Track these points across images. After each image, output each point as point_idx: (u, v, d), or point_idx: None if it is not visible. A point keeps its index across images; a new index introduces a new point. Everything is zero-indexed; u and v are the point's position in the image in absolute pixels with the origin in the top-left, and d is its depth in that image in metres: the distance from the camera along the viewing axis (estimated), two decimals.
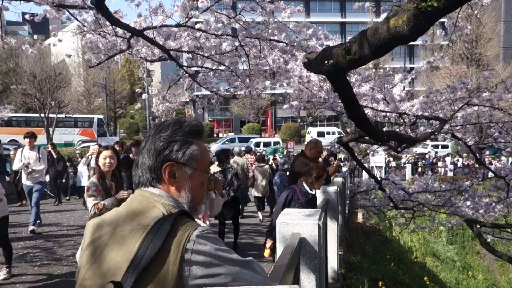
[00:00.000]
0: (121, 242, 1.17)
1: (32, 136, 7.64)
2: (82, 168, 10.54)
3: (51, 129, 30.66)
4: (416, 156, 27.34)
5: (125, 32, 5.14)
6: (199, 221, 3.90)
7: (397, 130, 7.18)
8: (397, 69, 22.69)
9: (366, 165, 11.55)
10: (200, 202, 1.35)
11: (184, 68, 6.57)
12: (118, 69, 47.56)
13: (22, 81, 32.05)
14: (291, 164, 5.94)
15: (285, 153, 22.11)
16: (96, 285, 1.17)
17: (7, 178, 9.78)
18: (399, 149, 7.85)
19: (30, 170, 7.58)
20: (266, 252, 4.32)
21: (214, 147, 28.59)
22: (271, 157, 13.57)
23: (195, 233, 1.14)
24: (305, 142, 7.35)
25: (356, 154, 8.98)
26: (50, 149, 11.92)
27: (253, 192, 10.02)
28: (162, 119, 7.49)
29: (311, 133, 35.27)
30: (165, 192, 1.27)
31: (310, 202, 4.25)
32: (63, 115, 32.57)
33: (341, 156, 13.67)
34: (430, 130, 6.78)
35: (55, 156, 11.85)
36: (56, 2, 4.34)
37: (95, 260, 1.20)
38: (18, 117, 32.16)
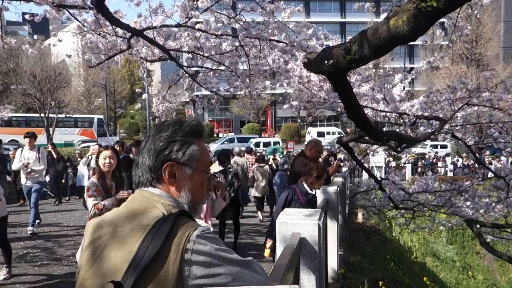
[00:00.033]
0: (121, 242, 1.17)
1: (32, 136, 7.64)
2: (82, 168, 10.55)
3: (51, 129, 30.66)
4: (416, 156, 27.35)
5: (125, 32, 5.14)
6: (201, 221, 3.89)
7: (397, 130, 7.18)
8: (397, 69, 22.70)
9: (366, 165, 11.55)
10: (200, 202, 1.35)
11: (184, 68, 6.57)
12: (118, 69, 47.57)
13: (22, 81, 32.06)
14: (291, 164, 5.94)
15: (285, 153, 22.11)
16: (96, 285, 1.17)
17: (8, 178, 9.78)
18: (399, 149, 7.85)
19: (29, 170, 7.58)
20: (266, 252, 4.32)
21: (213, 147, 28.61)
22: (271, 157, 13.57)
23: (195, 233, 1.14)
24: (305, 142, 7.35)
25: (356, 154, 8.98)
26: (50, 149, 11.93)
27: (253, 192, 10.02)
28: (162, 119, 7.49)
29: (311, 133, 35.27)
30: (165, 192, 1.27)
31: (310, 202, 4.25)
32: (63, 115, 32.57)
33: (341, 156, 13.67)
34: (430, 130, 6.78)
35: (55, 156, 11.85)
36: (56, 2, 4.34)
37: (95, 260, 1.20)
38: (18, 117, 32.16)
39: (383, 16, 3.52)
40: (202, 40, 5.74)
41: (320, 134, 34.34)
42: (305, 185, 4.29)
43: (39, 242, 7.17)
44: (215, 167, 6.79)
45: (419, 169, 24.93)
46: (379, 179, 9.05)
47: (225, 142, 33.14)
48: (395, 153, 12.56)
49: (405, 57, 39.14)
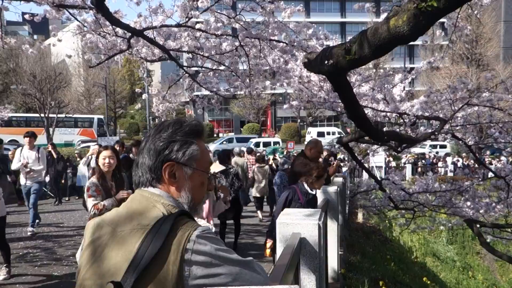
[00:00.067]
0: (121, 242, 1.17)
1: (32, 136, 7.62)
2: (82, 168, 10.54)
3: (51, 129, 30.68)
4: (416, 156, 27.36)
5: (125, 32, 5.14)
6: (203, 221, 3.89)
7: (397, 130, 7.18)
8: (397, 69, 22.70)
9: (366, 165, 11.55)
10: (200, 202, 1.35)
11: (184, 68, 6.57)
12: (118, 69, 47.58)
13: (22, 81, 32.07)
14: (291, 164, 5.94)
15: (285, 153, 22.11)
16: (96, 285, 1.17)
17: (9, 179, 9.77)
18: (399, 149, 7.85)
19: (28, 169, 7.55)
20: (267, 252, 4.31)
21: (212, 147, 28.59)
22: (271, 157, 13.57)
23: (195, 233, 1.14)
24: (305, 142, 7.34)
25: (356, 154, 8.98)
26: (50, 149, 11.92)
27: (253, 193, 10.03)
28: (162, 119, 7.49)
29: (311, 133, 35.27)
30: (165, 192, 1.27)
31: (310, 202, 4.24)
32: (63, 115, 32.59)
33: (341, 156, 13.67)
34: (430, 130, 6.78)
35: (55, 156, 11.85)
36: (56, 2, 4.34)
37: (95, 260, 1.20)
38: (18, 117, 32.16)
39: (383, 16, 3.52)
40: (202, 40, 5.74)
41: (320, 134, 34.34)
42: (305, 185, 4.29)
43: (39, 242, 7.17)
44: (217, 167, 6.79)
45: (419, 169, 24.95)
46: (379, 179, 9.05)
47: (224, 142, 33.12)
48: (395, 153, 12.56)
49: (405, 57, 39.14)
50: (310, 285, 2.64)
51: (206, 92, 7.05)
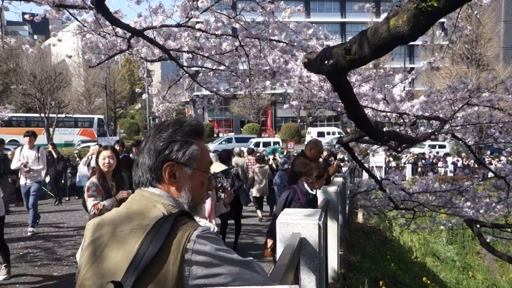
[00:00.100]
0: (121, 242, 1.17)
1: (32, 135, 7.59)
2: (82, 169, 10.53)
3: (51, 129, 30.69)
4: (416, 156, 27.37)
5: (125, 32, 5.13)
6: (205, 220, 3.88)
7: (397, 130, 7.18)
8: (397, 69, 22.69)
9: (366, 165, 11.55)
10: (200, 202, 1.35)
11: (184, 68, 6.57)
12: (118, 69, 47.59)
13: (22, 81, 32.09)
14: (291, 164, 5.94)
15: (285, 153, 22.11)
16: (96, 285, 1.17)
17: (9, 179, 9.78)
18: (399, 149, 7.85)
19: (27, 169, 7.52)
20: (267, 252, 4.31)
21: (211, 147, 28.58)
22: (271, 157, 13.58)
23: (195, 233, 1.14)
24: (305, 142, 7.34)
25: (356, 154, 8.98)
26: (50, 149, 11.92)
27: (253, 193, 10.03)
28: (162, 119, 7.49)
29: (311, 133, 35.27)
30: (165, 192, 1.27)
31: (311, 202, 4.25)
32: (63, 115, 32.61)
33: (341, 156, 13.66)
34: (430, 130, 6.78)
35: (55, 156, 11.84)
36: (56, 2, 4.33)
37: (95, 260, 1.20)
38: (18, 117, 32.18)
39: (383, 16, 3.52)
40: (202, 40, 5.74)
41: (320, 134, 34.35)
42: (306, 185, 4.29)
43: (39, 242, 7.16)
44: (219, 166, 6.77)
45: (419, 169, 24.95)
46: (379, 179, 9.05)
47: (223, 142, 33.10)
48: (395, 153, 12.56)
49: (405, 57, 39.16)
50: (310, 285, 2.64)
51: (206, 92, 7.05)
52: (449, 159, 26.33)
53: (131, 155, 7.79)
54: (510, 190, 7.45)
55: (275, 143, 33.47)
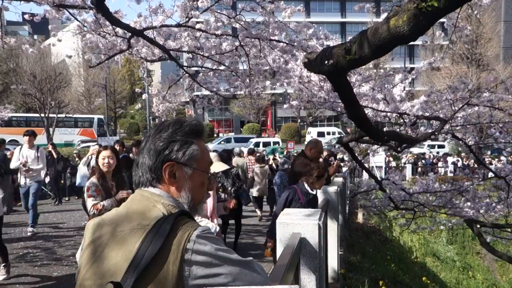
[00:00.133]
0: (121, 242, 1.17)
1: (31, 134, 7.54)
2: (82, 169, 10.52)
3: (51, 129, 30.69)
4: (415, 156, 27.38)
5: (125, 32, 5.13)
6: (207, 220, 3.88)
7: (397, 130, 7.18)
8: (397, 69, 22.69)
9: (366, 165, 11.54)
10: (200, 202, 1.35)
11: (184, 68, 6.56)
12: (118, 69, 47.60)
13: (22, 81, 32.10)
14: (291, 164, 5.94)
15: (285, 153, 22.11)
16: (96, 285, 1.17)
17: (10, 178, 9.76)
18: (399, 149, 7.85)
19: (27, 168, 7.46)
20: (267, 252, 4.32)
21: (209, 147, 28.56)
22: (271, 157, 13.58)
23: (195, 233, 1.14)
24: (305, 142, 7.34)
25: (356, 154, 8.98)
26: (50, 149, 11.91)
27: (253, 193, 10.03)
28: (162, 119, 7.48)
29: (311, 133, 35.27)
30: (165, 192, 1.27)
31: (311, 202, 4.25)
32: (63, 115, 32.62)
33: (341, 156, 13.67)
34: (430, 130, 6.77)
35: (55, 156, 11.84)
36: (56, 2, 4.33)
37: (95, 260, 1.20)
38: (18, 117, 32.18)
39: (383, 16, 3.52)
40: (202, 40, 5.74)
41: (320, 134, 34.36)
42: (306, 185, 4.29)
43: (39, 242, 7.16)
44: (220, 166, 6.77)
45: (419, 169, 24.95)
46: (379, 179, 9.04)
47: (222, 142, 33.08)
48: (395, 153, 12.56)
49: (405, 57, 39.15)
50: (310, 285, 2.64)
51: (206, 92, 7.05)
52: (449, 159, 26.33)
53: (131, 155, 7.79)
54: (510, 190, 7.45)
55: (275, 143, 33.46)
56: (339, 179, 7.33)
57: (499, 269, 14.82)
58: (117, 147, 6.99)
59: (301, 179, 4.37)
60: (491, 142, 7.57)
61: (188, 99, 27.68)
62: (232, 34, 5.52)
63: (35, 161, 7.59)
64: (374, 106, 6.81)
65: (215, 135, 44.19)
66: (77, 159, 13.78)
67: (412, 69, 7.18)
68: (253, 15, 5.25)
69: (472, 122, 6.94)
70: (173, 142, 1.27)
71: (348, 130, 33.11)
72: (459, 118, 6.80)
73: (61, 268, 5.73)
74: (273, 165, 11.93)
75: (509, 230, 8.17)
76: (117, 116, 47.39)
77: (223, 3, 5.00)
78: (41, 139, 25.74)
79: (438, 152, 30.06)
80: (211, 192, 5.28)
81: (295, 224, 2.67)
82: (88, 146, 16.50)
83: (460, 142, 7.60)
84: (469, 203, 8.03)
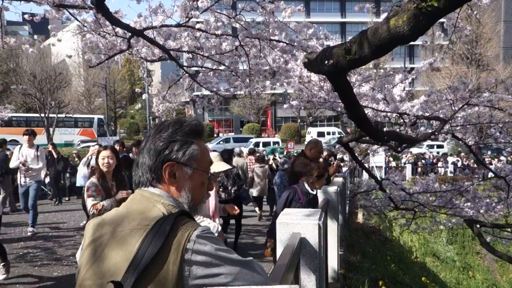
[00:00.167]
0: (121, 242, 1.17)
1: (31, 134, 7.48)
2: (82, 169, 10.52)
3: (51, 129, 30.70)
4: (415, 156, 27.37)
5: (125, 32, 5.13)
6: (209, 220, 3.87)
7: (397, 130, 7.18)
8: (397, 69, 22.68)
9: (366, 165, 11.54)
10: (200, 202, 1.35)
11: (184, 68, 6.56)
12: (118, 69, 47.62)
13: (22, 81, 32.11)
14: (291, 164, 5.94)
15: (285, 153, 22.11)
16: (96, 285, 1.17)
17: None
18: (399, 149, 7.85)
19: (26, 167, 7.41)
20: (267, 252, 4.31)
21: (208, 147, 28.47)
22: (271, 157, 13.58)
23: (195, 233, 1.14)
24: (305, 142, 7.34)
25: (356, 154, 8.98)
26: (50, 149, 11.90)
27: (252, 192, 10.03)
28: (162, 119, 7.48)
29: (311, 133, 35.27)
30: (165, 192, 1.27)
31: (311, 202, 4.24)
32: (63, 115, 32.63)
33: (341, 156, 13.67)
34: (430, 130, 6.77)
35: (55, 156, 11.83)
36: (56, 2, 4.33)
37: (95, 260, 1.20)
38: (18, 117, 32.18)
39: (383, 16, 3.52)
40: (202, 40, 5.74)
41: (320, 134, 34.36)
42: (306, 185, 4.29)
43: (39, 242, 7.16)
44: (222, 166, 6.76)
45: (419, 169, 24.95)
46: (379, 179, 9.04)
47: (221, 142, 33.06)
48: (395, 153, 12.56)
49: (405, 57, 39.16)
50: (310, 285, 2.64)
51: (206, 92, 7.05)
52: (450, 159, 26.33)
53: (130, 154, 7.78)
54: (510, 190, 7.45)
55: (274, 143, 33.47)
56: (339, 179, 7.33)
57: (499, 269, 14.82)
58: (117, 147, 6.99)
59: (301, 179, 4.37)
60: (491, 142, 7.57)
61: (188, 99, 27.69)
62: (232, 34, 5.51)
63: (34, 161, 7.53)
64: (374, 106, 6.81)
65: (215, 135, 44.20)
66: (76, 159, 13.77)
67: (412, 69, 7.17)
68: (253, 15, 5.25)
69: (472, 122, 6.94)
70: (173, 142, 1.27)
71: (348, 130, 33.10)
72: (459, 118, 6.80)
73: (61, 268, 5.73)
74: (273, 165, 11.94)
75: (509, 230, 8.17)
76: (117, 116, 47.39)
77: (223, 3, 5.00)
78: (41, 139, 25.75)
79: (438, 152, 30.06)
80: (211, 192, 5.28)
81: (295, 224, 2.67)
82: (88, 146, 16.50)
83: (460, 142, 7.60)
84: (469, 203, 8.03)
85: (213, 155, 4.64)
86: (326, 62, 2.74)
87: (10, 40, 5.49)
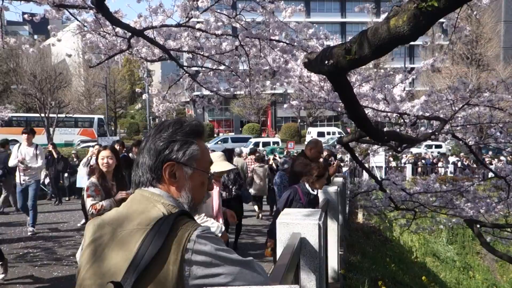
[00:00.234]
0: (121, 242, 1.17)
1: (30, 132, 7.40)
2: (82, 169, 10.51)
3: (51, 129, 30.69)
4: (415, 156, 27.37)
5: (125, 32, 5.13)
6: (212, 219, 3.86)
7: (398, 130, 7.17)
8: (398, 69, 22.67)
9: (366, 165, 11.54)
10: (200, 202, 1.35)
11: (184, 68, 6.56)
12: (118, 69, 47.63)
13: (23, 81, 32.10)
14: (291, 164, 5.94)
15: (285, 153, 22.11)
16: (96, 285, 1.17)
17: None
18: (399, 149, 7.85)
19: (24, 166, 7.31)
20: (267, 252, 4.31)
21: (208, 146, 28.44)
22: (271, 157, 13.59)
23: (195, 233, 1.14)
24: (305, 142, 7.34)
25: (356, 154, 8.97)
26: (50, 149, 11.90)
27: (252, 192, 10.03)
28: (162, 119, 7.47)
29: (311, 133, 35.27)
30: (165, 192, 1.27)
31: (312, 202, 4.25)
32: (63, 115, 32.62)
33: (341, 156, 13.66)
34: (430, 131, 6.77)
35: (55, 156, 11.83)
36: (56, 2, 4.33)
37: (95, 260, 1.19)
38: (18, 117, 32.17)
39: (383, 16, 3.52)
40: (202, 40, 5.74)
41: (320, 134, 34.36)
42: (307, 185, 4.28)
43: (39, 242, 7.16)
44: (226, 166, 6.74)
45: (419, 170, 24.95)
46: (379, 179, 9.04)
47: (219, 142, 33.03)
48: (396, 153, 12.56)
49: (406, 57, 39.17)
50: (310, 285, 2.64)
51: (206, 92, 7.05)
52: (451, 159, 26.32)
53: (130, 154, 7.78)
54: (511, 190, 7.44)
55: (274, 143, 33.47)
56: (339, 179, 7.33)
57: (499, 269, 14.82)
58: (117, 147, 6.98)
59: (302, 179, 4.37)
60: (492, 142, 7.57)
61: (188, 99, 27.70)
62: (232, 34, 5.52)
63: (33, 159, 7.44)
64: (374, 106, 6.81)
65: (215, 135, 44.19)
66: (75, 159, 13.77)
67: (412, 69, 7.16)
68: (253, 15, 5.25)
69: (472, 122, 6.94)
70: (173, 142, 1.27)
71: (348, 130, 33.10)
72: (459, 118, 6.80)
73: (61, 268, 5.73)
74: (273, 165, 11.93)
75: (509, 230, 8.17)
76: (117, 116, 47.39)
77: (223, 3, 5.00)
78: (42, 139, 25.76)
79: (439, 153, 30.06)
80: (212, 192, 5.27)
81: (295, 224, 2.67)
82: (88, 146, 16.51)
83: (461, 142, 7.60)
84: (469, 204, 8.02)
85: (217, 155, 4.63)
86: (326, 62, 2.74)
87: (10, 40, 5.49)
